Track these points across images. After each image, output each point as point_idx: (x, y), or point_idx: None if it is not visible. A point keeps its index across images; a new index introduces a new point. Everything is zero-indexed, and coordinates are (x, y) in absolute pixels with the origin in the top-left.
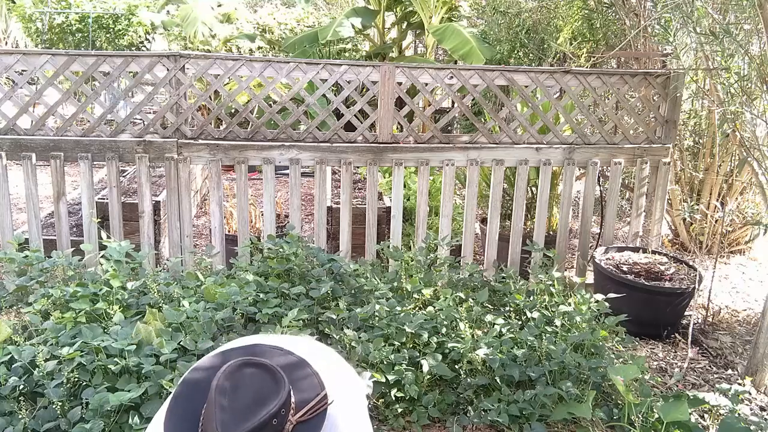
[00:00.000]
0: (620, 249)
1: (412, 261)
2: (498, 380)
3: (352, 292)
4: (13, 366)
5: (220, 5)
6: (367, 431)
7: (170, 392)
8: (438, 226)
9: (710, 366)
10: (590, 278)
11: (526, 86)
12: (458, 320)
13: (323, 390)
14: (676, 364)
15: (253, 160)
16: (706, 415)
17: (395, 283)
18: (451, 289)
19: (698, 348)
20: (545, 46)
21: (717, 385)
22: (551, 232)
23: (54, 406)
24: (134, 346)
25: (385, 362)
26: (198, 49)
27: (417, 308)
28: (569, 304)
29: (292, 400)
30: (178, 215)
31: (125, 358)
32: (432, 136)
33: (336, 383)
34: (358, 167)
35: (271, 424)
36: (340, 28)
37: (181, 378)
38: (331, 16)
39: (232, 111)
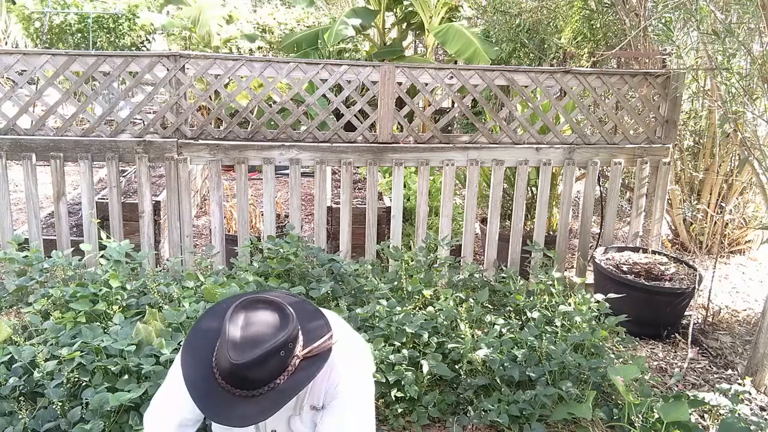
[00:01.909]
0: (620, 249)
1: (412, 261)
2: (498, 380)
3: (352, 292)
4: (13, 366)
5: (223, 5)
6: (367, 371)
7: None
8: (438, 226)
9: (710, 366)
10: (590, 278)
11: (526, 86)
12: (458, 320)
13: (330, 331)
14: (676, 364)
15: (253, 160)
16: (706, 415)
17: (395, 283)
18: (451, 289)
19: (698, 348)
20: (545, 46)
21: (717, 385)
22: (551, 232)
23: (54, 406)
24: (134, 347)
25: (385, 362)
26: (199, 50)
27: (417, 308)
28: (569, 304)
29: (300, 336)
30: (178, 215)
31: (125, 359)
32: (432, 136)
33: (342, 331)
34: (358, 167)
35: (278, 355)
36: (342, 26)
37: (199, 317)
38: (330, 16)
39: (233, 111)
